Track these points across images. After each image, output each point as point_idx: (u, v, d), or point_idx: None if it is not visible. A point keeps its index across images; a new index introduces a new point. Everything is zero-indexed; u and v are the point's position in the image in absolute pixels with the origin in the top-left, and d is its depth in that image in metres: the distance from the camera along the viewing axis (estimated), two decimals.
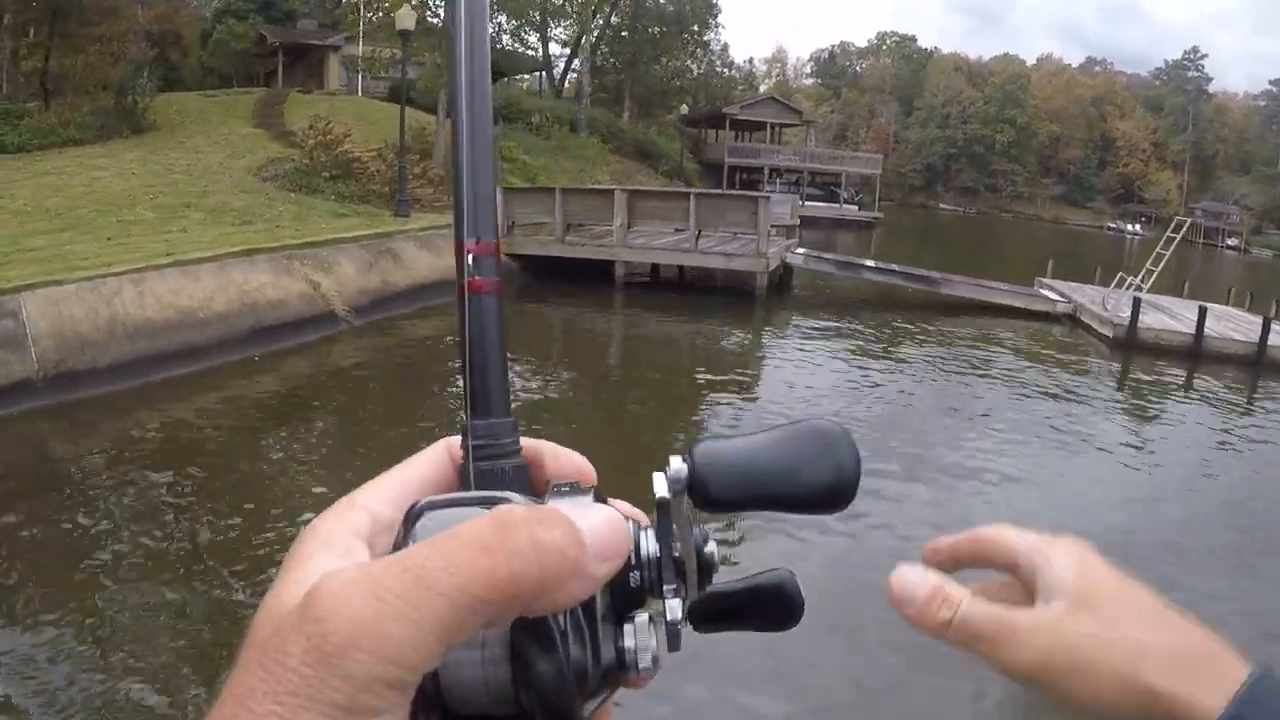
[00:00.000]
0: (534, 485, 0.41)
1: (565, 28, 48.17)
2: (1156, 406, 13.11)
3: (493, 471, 0.40)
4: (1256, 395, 14.39)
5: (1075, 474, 9.36)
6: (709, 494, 0.41)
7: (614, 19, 49.35)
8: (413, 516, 0.37)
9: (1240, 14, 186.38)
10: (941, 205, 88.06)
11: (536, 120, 34.11)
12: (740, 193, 23.91)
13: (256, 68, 39.31)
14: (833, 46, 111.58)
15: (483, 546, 0.31)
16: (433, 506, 0.37)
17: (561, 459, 0.43)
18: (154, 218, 15.04)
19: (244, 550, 6.35)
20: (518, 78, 48.47)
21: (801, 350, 14.91)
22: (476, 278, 0.42)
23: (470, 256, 0.42)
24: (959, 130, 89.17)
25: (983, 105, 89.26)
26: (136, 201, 16.13)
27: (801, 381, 12.59)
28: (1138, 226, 75.61)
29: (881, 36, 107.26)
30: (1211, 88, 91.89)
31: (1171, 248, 18.54)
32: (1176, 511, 8.59)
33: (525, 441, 0.42)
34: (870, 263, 19.87)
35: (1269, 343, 15.61)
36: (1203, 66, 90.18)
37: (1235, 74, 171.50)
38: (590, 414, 10.70)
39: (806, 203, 48.09)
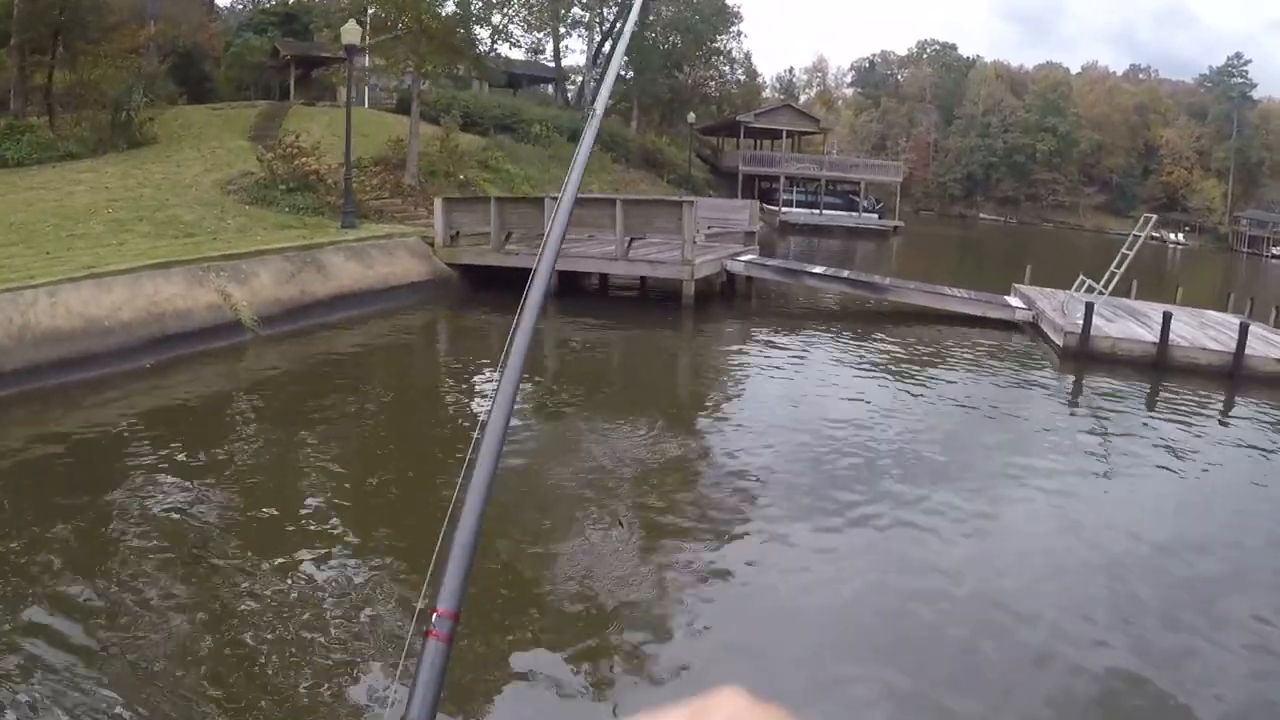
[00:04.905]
0: None
1: (582, 38, 48.59)
2: (1099, 435, 11.26)
3: None
4: (1229, 416, 12.66)
5: (1002, 528, 7.96)
6: None
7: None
8: None
9: None
10: (982, 215, 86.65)
11: (537, 130, 34.03)
12: (668, 198, 23.69)
13: (273, 80, 40.08)
14: (873, 56, 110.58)
15: None
16: None
17: None
18: (102, 231, 15.38)
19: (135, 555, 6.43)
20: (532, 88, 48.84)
21: (727, 362, 14.72)
22: (436, 630, 0.76)
23: (434, 615, 0.77)
24: (999, 139, 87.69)
25: (1024, 114, 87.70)
26: (94, 215, 16.49)
27: (725, 396, 12.39)
28: (1181, 236, 73.70)
29: (922, 45, 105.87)
30: (1263, 94, 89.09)
31: (1136, 247, 17.26)
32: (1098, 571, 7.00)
33: None
34: (816, 269, 19.34)
35: (1249, 351, 14.01)
36: (1246, 72, 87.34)
37: None
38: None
39: (824, 211, 47.95)
